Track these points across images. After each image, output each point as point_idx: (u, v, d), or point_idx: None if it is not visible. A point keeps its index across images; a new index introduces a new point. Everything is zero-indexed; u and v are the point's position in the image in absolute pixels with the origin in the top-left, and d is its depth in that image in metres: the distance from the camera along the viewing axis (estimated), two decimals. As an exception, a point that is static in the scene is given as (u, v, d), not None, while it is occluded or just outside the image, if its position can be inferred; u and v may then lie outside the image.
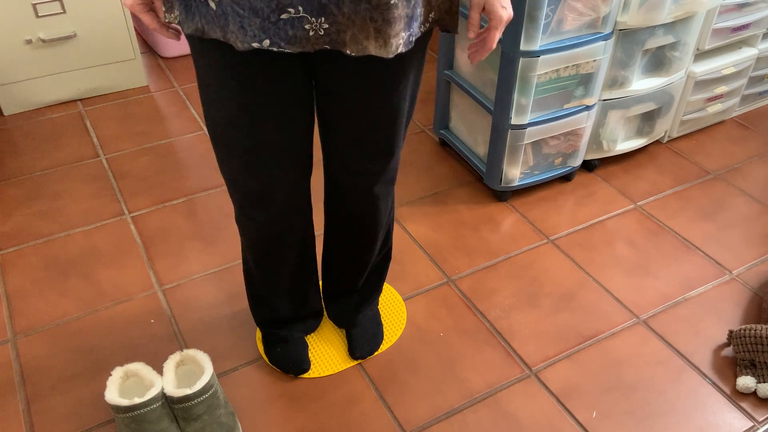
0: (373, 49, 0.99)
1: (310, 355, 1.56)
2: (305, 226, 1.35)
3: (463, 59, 2.02)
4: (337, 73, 1.09)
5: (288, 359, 1.51)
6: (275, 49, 0.98)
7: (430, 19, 1.05)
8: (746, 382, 1.50)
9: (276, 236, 1.31)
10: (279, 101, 1.10)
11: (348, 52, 0.99)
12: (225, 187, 2.07)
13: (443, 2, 1.05)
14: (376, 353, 1.57)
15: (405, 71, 1.12)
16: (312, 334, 1.61)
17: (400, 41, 0.99)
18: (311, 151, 1.22)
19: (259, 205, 1.23)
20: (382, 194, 1.30)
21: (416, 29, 1.02)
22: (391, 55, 0.99)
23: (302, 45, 0.98)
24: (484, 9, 1.05)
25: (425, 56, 1.16)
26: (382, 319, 1.64)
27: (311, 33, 0.97)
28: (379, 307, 1.66)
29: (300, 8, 0.94)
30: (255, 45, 0.97)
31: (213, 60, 1.05)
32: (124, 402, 1.28)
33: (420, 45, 1.11)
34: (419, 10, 1.00)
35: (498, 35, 1.07)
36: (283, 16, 0.95)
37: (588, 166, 2.17)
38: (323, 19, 0.96)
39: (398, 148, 1.24)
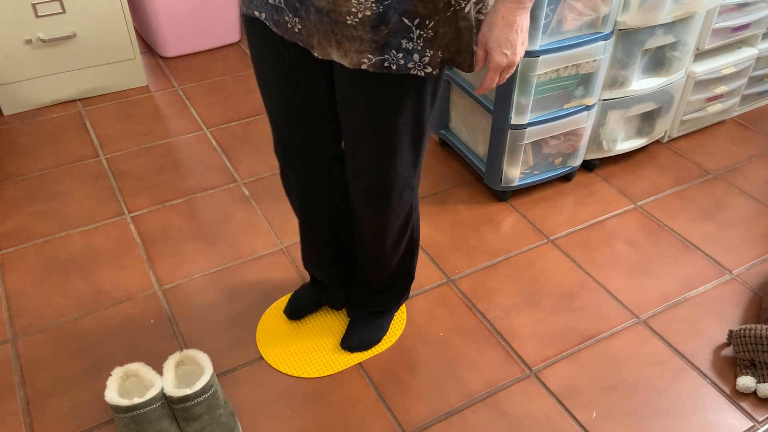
0: (336, 56, 1.06)
1: (310, 355, 1.57)
2: (328, 197, 1.39)
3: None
4: (339, 73, 1.14)
5: (293, 301, 1.64)
6: (267, 24, 1.11)
7: (438, 57, 1.05)
8: (746, 382, 1.50)
9: (297, 195, 1.38)
10: (285, 64, 1.19)
11: (315, 54, 1.08)
12: (224, 187, 2.07)
13: (451, 42, 1.05)
14: (372, 353, 1.57)
15: (392, 97, 1.12)
16: (314, 334, 1.61)
17: (364, 59, 1.05)
18: (318, 125, 1.27)
19: (280, 149, 1.32)
20: (374, 203, 1.30)
21: (401, 60, 1.04)
22: (352, 67, 1.06)
23: (283, 32, 1.09)
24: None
25: (429, 93, 1.14)
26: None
27: (289, 26, 1.08)
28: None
29: (281, 0, 1.05)
30: (255, 14, 1.09)
31: (242, 11, 1.19)
32: (124, 402, 1.28)
33: (418, 80, 1.10)
34: (405, 44, 1.02)
35: (495, 77, 1.08)
36: (270, 0, 1.06)
37: (588, 166, 2.17)
38: (297, 19, 1.06)
39: (381, 169, 1.23)
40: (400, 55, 1.04)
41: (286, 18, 1.07)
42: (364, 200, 1.30)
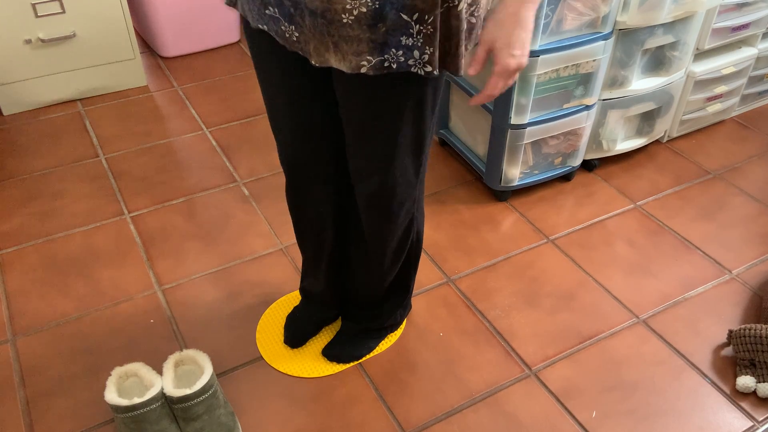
0: (333, 61, 1.02)
1: (310, 355, 1.56)
2: (332, 212, 1.37)
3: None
4: (338, 77, 1.11)
5: (291, 328, 1.59)
6: (272, 35, 1.07)
7: (437, 56, 1.00)
8: (746, 381, 1.50)
9: (297, 209, 1.37)
10: (289, 81, 1.16)
11: (313, 62, 1.03)
12: (224, 187, 2.07)
13: (443, 41, 1.01)
14: (371, 353, 1.57)
15: (390, 102, 1.08)
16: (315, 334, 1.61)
17: (363, 62, 1.00)
18: (325, 141, 1.25)
19: (286, 165, 1.31)
20: (375, 211, 1.27)
21: (401, 57, 0.99)
22: (351, 71, 1.01)
23: (284, 42, 1.05)
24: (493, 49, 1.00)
25: (430, 97, 1.11)
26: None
27: (287, 35, 1.04)
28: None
29: (276, 10, 1.02)
30: (259, 26, 1.06)
31: (244, 26, 1.16)
32: (124, 402, 1.29)
33: (418, 82, 1.06)
34: (405, 40, 0.98)
35: (500, 84, 1.01)
36: (267, 11, 1.03)
37: (588, 165, 2.17)
38: (293, 27, 1.02)
39: (381, 177, 1.19)
40: (400, 52, 0.99)
41: (283, 27, 1.03)
42: (367, 209, 1.27)
